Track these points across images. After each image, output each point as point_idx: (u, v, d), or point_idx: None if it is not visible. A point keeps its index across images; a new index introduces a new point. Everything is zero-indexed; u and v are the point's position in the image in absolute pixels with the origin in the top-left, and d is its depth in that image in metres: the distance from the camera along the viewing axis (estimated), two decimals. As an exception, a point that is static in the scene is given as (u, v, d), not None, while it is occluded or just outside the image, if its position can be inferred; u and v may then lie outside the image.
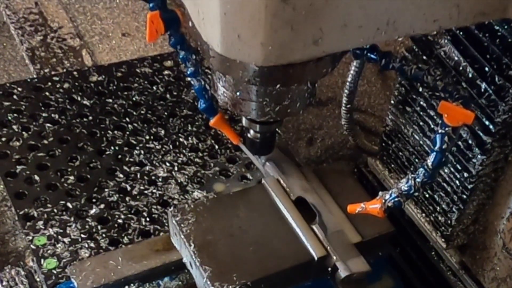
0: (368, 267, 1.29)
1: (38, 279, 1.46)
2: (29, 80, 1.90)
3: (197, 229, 1.29)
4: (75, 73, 1.93)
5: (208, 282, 1.21)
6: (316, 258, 1.28)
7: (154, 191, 1.63)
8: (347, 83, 1.67)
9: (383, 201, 1.17)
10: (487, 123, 1.21)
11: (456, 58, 1.25)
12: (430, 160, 1.13)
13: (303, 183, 1.40)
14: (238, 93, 1.12)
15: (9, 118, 1.77)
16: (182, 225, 1.29)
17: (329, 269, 1.29)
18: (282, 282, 1.29)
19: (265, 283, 1.26)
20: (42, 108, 1.81)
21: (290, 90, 1.10)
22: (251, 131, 1.31)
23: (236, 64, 0.97)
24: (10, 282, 1.46)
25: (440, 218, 1.41)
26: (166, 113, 1.84)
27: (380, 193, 1.19)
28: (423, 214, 1.48)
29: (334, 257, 1.28)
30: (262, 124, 1.26)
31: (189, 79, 1.31)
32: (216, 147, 1.75)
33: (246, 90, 1.10)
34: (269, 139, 1.35)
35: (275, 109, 1.12)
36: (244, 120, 1.27)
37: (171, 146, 1.75)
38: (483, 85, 1.21)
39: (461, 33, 1.25)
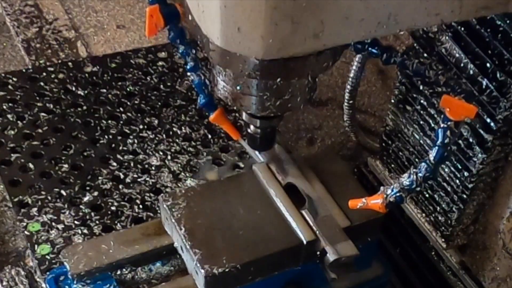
0: (357, 251, 1.30)
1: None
2: (24, 70, 1.92)
3: (188, 214, 1.30)
4: (70, 63, 1.95)
5: (198, 265, 1.22)
6: (305, 242, 1.29)
7: (147, 179, 1.65)
8: (349, 79, 1.67)
9: (385, 196, 1.15)
10: (488, 120, 1.21)
11: (457, 55, 1.24)
12: (432, 155, 1.11)
13: (293, 169, 1.41)
14: (238, 87, 1.10)
15: (4, 107, 1.79)
16: (173, 210, 1.30)
17: (318, 253, 1.30)
18: (271, 266, 1.30)
19: (255, 267, 1.27)
20: (37, 98, 1.83)
21: (291, 84, 1.09)
22: (251, 126, 1.29)
23: (236, 58, 0.96)
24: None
25: (440, 218, 1.42)
26: (159, 103, 1.86)
27: (382, 188, 1.17)
28: (423, 214, 1.48)
29: (323, 241, 1.30)
30: (262, 119, 1.24)
31: (188, 73, 1.31)
32: (209, 136, 1.77)
33: (247, 84, 1.08)
34: (270, 134, 1.33)
35: (275, 103, 1.10)
36: (244, 115, 1.25)
37: (164, 135, 1.77)
38: (485, 82, 1.20)
39: (462, 29, 1.24)
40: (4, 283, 1.47)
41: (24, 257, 1.54)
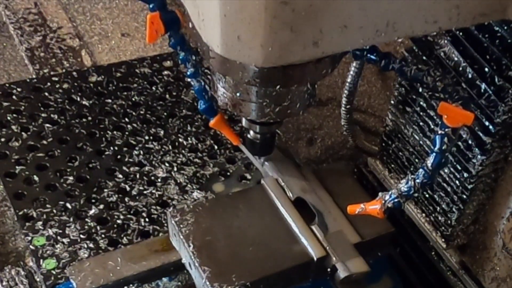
0: (368, 268, 1.29)
1: (38, 279, 1.46)
2: (28, 80, 1.90)
3: (196, 230, 1.29)
4: (74, 73, 1.93)
5: (207, 283, 1.21)
6: (315, 259, 1.28)
7: (154, 191, 1.63)
8: (347, 84, 1.67)
9: (383, 201, 1.16)
10: (487, 123, 1.21)
11: (456, 59, 1.25)
12: (429, 161, 1.12)
13: (302, 183, 1.40)
14: (238, 94, 1.12)
15: (9, 118, 1.77)
16: (181, 226, 1.29)
17: (329, 269, 1.29)
18: (281, 283, 1.29)
19: (264, 284, 1.25)
20: (41, 109, 1.81)
21: (290, 91, 1.10)
22: (251, 132, 1.32)
23: (236, 65, 0.97)
24: (10, 282, 1.46)
25: (440, 218, 1.41)
26: (165, 114, 1.84)
27: (380, 193, 1.18)
28: (423, 214, 1.47)
29: (334, 258, 1.28)
30: (262, 125, 1.27)
31: (189, 79, 1.31)
32: (216, 147, 1.75)
33: (246, 91, 1.10)
34: (269, 140, 1.35)
35: (275, 110, 1.12)
36: (244, 121, 1.27)
37: (170, 147, 1.75)
38: (483, 86, 1.20)
39: (461, 33, 1.25)
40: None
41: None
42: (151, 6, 1.12)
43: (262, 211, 1.35)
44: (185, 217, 1.30)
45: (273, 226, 1.32)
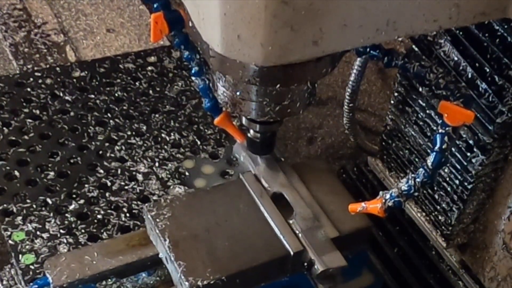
0: (345, 262, 1.28)
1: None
2: (11, 75, 1.90)
3: (173, 224, 1.28)
4: (57, 68, 1.92)
5: (182, 277, 1.20)
6: (292, 253, 1.27)
7: (135, 186, 1.63)
8: (350, 82, 1.67)
9: (384, 200, 1.16)
10: (487, 123, 1.21)
11: (456, 58, 1.25)
12: (430, 160, 1.12)
13: (281, 178, 1.39)
14: (238, 93, 1.11)
15: (-10, 113, 1.77)
16: (158, 220, 1.28)
17: (305, 264, 1.28)
18: (258, 277, 1.28)
19: (240, 278, 1.25)
20: (24, 104, 1.81)
21: (290, 90, 1.10)
22: (251, 131, 1.31)
23: (236, 64, 0.97)
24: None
25: (440, 217, 1.41)
26: (148, 109, 1.83)
27: (381, 192, 1.18)
28: (423, 213, 1.48)
29: (310, 252, 1.28)
30: (262, 124, 1.26)
31: (193, 78, 1.31)
32: (198, 143, 1.75)
33: (246, 90, 1.10)
34: (269, 139, 1.34)
35: (275, 109, 1.12)
36: (244, 120, 1.27)
37: (152, 142, 1.74)
38: (483, 86, 1.20)
39: (461, 33, 1.24)
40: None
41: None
42: (155, 5, 1.11)
43: (240, 206, 1.34)
44: (162, 212, 1.29)
45: (251, 220, 1.32)
